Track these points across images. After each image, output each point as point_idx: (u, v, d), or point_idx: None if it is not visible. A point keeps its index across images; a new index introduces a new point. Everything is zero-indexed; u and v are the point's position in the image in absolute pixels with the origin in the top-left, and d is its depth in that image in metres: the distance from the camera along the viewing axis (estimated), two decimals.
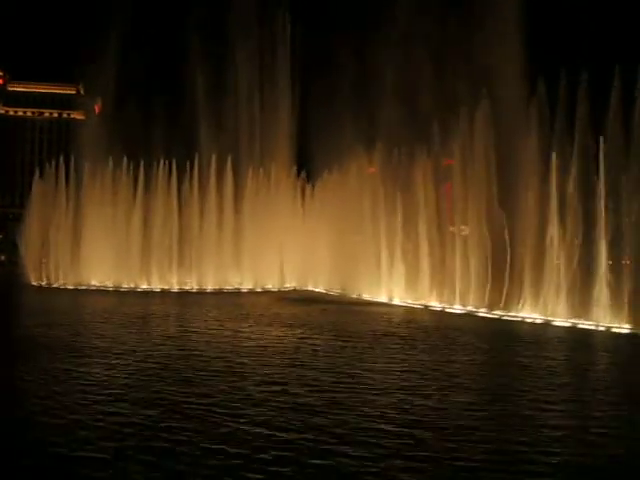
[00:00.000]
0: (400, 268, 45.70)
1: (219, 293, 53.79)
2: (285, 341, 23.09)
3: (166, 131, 59.98)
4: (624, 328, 29.02)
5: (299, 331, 26.38)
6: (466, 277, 38.92)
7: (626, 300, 29.91)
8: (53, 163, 63.64)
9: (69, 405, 12.87)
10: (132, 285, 56.30)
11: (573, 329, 29.87)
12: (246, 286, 57.44)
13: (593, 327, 29.86)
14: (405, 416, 12.34)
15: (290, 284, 58.82)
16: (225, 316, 32.98)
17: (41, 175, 63.81)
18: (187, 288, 56.19)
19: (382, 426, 11.56)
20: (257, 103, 63.21)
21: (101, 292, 52.31)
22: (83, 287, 55.83)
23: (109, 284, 56.36)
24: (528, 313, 33.97)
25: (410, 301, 43.44)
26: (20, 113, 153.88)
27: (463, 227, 41.00)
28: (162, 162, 59.46)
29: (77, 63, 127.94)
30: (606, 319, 30.25)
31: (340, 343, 22.80)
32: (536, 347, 23.52)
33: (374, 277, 48.34)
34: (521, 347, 23.61)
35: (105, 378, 15.66)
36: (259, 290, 56.39)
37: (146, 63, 78.78)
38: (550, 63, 35.33)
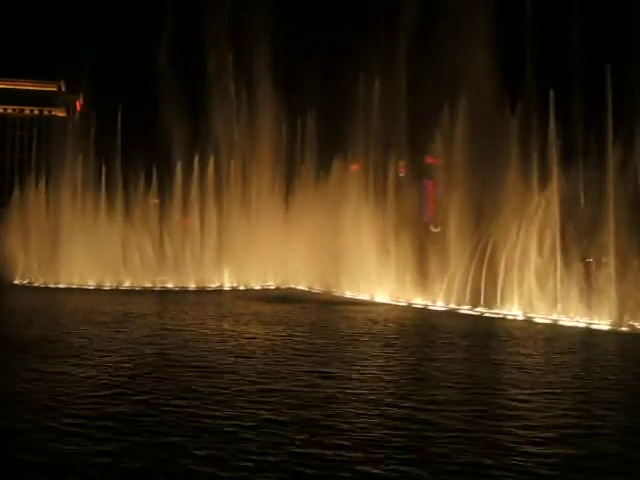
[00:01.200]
0: (383, 266, 45.67)
1: (201, 291, 53.54)
2: (262, 342, 22.78)
3: (148, 130, 59.58)
4: (603, 325, 29.18)
5: (278, 330, 26.26)
6: (448, 275, 38.88)
7: (605, 297, 30.09)
8: (34, 162, 63.22)
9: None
10: (114, 284, 55.92)
11: (553, 326, 29.98)
12: (228, 284, 57.26)
13: (573, 324, 30.04)
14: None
15: (273, 282, 58.66)
16: (205, 315, 32.79)
17: (21, 175, 63.37)
18: (170, 286, 55.87)
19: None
20: (238, 100, 62.82)
21: (83, 291, 51.87)
22: (65, 286, 55.40)
23: (91, 283, 55.97)
24: (510, 310, 34.04)
25: (393, 299, 43.44)
26: (0, 110, 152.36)
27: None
28: (143, 161, 59.16)
29: (58, 59, 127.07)
30: (586, 316, 30.42)
31: (319, 343, 22.68)
32: (513, 344, 23.53)
33: (357, 275, 48.30)
34: (499, 345, 23.60)
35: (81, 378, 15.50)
36: (242, 288, 56.21)
37: (125, 62, 78.34)
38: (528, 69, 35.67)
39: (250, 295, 48.93)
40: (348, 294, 48.35)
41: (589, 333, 27.80)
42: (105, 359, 18.33)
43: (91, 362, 17.83)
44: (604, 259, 31.58)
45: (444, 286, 39.04)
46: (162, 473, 9.39)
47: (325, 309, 37.95)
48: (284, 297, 46.51)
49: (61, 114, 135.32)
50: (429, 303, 39.65)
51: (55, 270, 57.53)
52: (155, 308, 37.38)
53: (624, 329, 28.03)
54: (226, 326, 27.59)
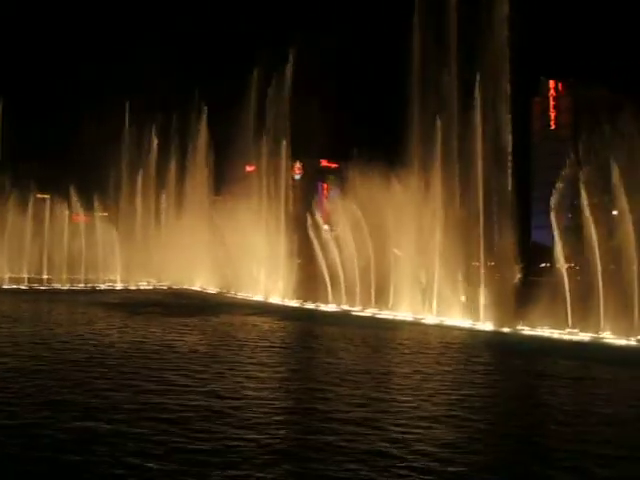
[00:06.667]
0: (276, 267, 45.45)
1: (91, 291, 51.42)
2: (114, 347, 21.47)
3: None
4: (488, 326, 29.86)
5: (150, 331, 25.65)
6: (338, 277, 38.79)
7: (488, 300, 30.89)
8: None
9: None
10: None
11: (437, 327, 30.46)
12: (121, 284, 55.54)
13: (457, 324, 30.66)
14: None
15: (166, 282, 57.29)
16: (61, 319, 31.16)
17: None
18: (57, 286, 53.43)
19: None
20: None
21: None
22: None
23: None
24: (401, 312, 34.32)
25: (286, 300, 43.24)
26: None
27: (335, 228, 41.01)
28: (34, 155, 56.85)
29: None
30: (470, 318, 31.09)
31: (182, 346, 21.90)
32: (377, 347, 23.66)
33: (251, 276, 47.89)
34: (359, 348, 23.17)
35: None
36: (132, 288, 54.64)
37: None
38: None
39: (139, 295, 47.41)
40: (242, 294, 47.78)
41: (466, 334, 28.22)
42: None
43: None
44: (475, 263, 32.55)
45: (334, 288, 39.07)
46: None
47: (213, 311, 36.22)
48: (174, 296, 45.49)
49: None
50: (320, 304, 39.52)
51: None
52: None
53: (505, 330, 28.73)
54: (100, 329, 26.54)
